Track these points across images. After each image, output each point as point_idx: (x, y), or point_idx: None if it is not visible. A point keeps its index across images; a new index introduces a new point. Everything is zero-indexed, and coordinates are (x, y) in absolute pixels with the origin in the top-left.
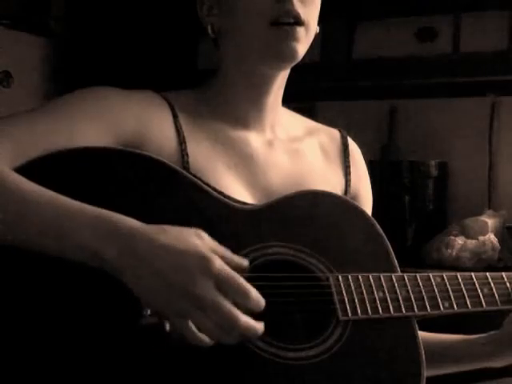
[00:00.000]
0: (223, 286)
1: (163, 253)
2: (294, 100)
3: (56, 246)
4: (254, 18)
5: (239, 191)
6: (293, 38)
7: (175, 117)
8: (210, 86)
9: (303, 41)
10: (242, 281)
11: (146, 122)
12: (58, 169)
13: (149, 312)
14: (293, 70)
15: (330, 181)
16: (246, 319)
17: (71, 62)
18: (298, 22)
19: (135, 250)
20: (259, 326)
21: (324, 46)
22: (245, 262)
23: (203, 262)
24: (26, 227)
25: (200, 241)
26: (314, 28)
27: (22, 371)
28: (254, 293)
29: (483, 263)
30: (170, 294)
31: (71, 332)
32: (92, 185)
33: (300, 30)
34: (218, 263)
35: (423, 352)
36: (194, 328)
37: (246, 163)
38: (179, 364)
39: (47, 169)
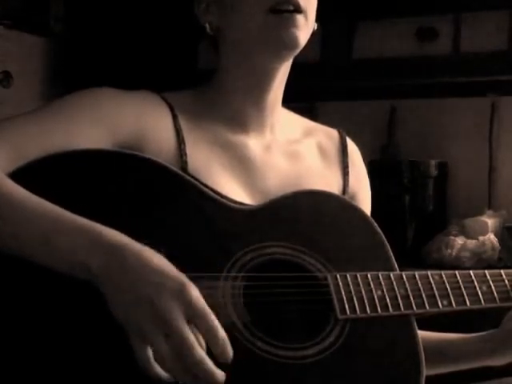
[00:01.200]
0: (194, 317)
1: (146, 269)
2: (294, 100)
3: (43, 256)
4: (254, 8)
5: (237, 192)
6: (293, 24)
7: (174, 117)
8: (209, 86)
9: (303, 28)
10: (214, 319)
11: (145, 123)
12: (56, 171)
13: None
14: (293, 69)
15: (327, 181)
16: (205, 359)
17: (71, 62)
18: (298, 9)
19: (121, 263)
20: (219, 374)
21: (324, 46)
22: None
23: (180, 287)
24: (15, 236)
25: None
26: (312, 17)
27: (16, 376)
28: (223, 336)
29: (483, 263)
30: (138, 311)
31: (65, 338)
32: (90, 187)
33: (300, 18)
34: (195, 293)
35: (422, 350)
36: (149, 354)
37: (243, 166)
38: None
39: (45, 171)
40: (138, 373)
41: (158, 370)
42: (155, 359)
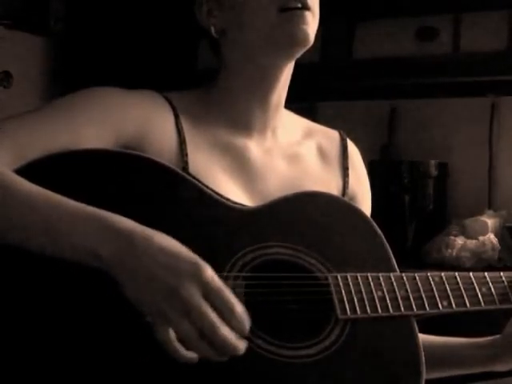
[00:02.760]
0: (211, 295)
1: (158, 253)
2: (294, 100)
3: (53, 246)
4: (263, 8)
5: (236, 194)
6: (303, 22)
7: (176, 117)
8: (212, 87)
9: (312, 25)
10: (230, 295)
11: (147, 123)
12: (59, 171)
13: None
14: (293, 69)
15: (327, 183)
16: (227, 333)
17: (71, 62)
18: (305, 6)
19: (133, 248)
20: (240, 344)
21: (324, 46)
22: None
23: (194, 267)
24: (24, 227)
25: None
26: (318, 13)
27: (22, 371)
28: (241, 310)
29: (483, 263)
30: (155, 294)
31: (72, 331)
32: (91, 187)
33: (308, 14)
34: (210, 272)
35: (422, 351)
36: (172, 335)
37: (243, 168)
38: (178, 362)
39: (48, 170)
40: (159, 357)
41: (182, 350)
42: (180, 341)
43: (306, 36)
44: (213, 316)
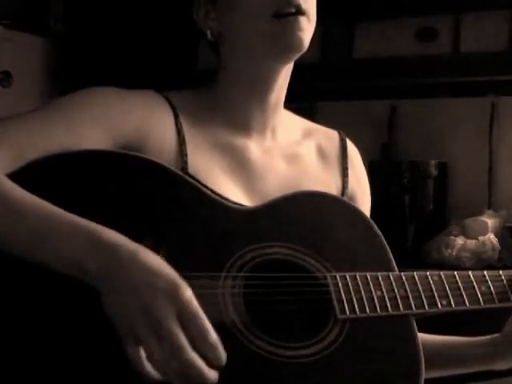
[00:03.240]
0: (184, 318)
1: (140, 268)
2: (294, 100)
3: (40, 256)
4: (257, 14)
5: (235, 194)
6: (298, 28)
7: (176, 117)
8: (211, 87)
9: (307, 31)
10: (206, 321)
11: (147, 123)
12: (57, 171)
13: None
14: (293, 70)
15: (326, 183)
16: (195, 358)
17: (71, 62)
18: (300, 11)
19: (117, 262)
20: (210, 373)
21: (324, 46)
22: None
23: (173, 286)
24: (12, 235)
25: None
26: (314, 17)
27: (10, 375)
28: (215, 338)
29: (483, 263)
30: (129, 308)
31: (46, 340)
32: (90, 188)
33: (303, 20)
34: (188, 294)
35: (422, 350)
36: (141, 353)
37: (243, 168)
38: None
39: (46, 171)
40: (132, 373)
41: (150, 369)
42: (148, 360)
43: (300, 42)
44: (182, 337)
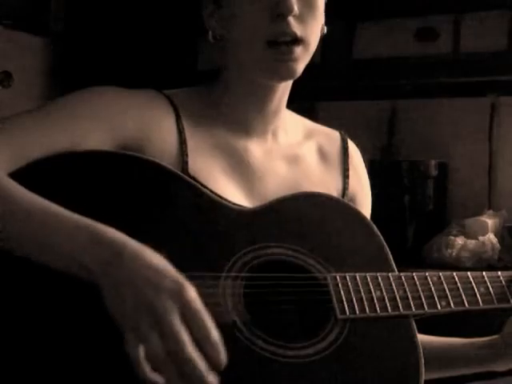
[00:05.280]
0: (188, 316)
1: (144, 267)
2: (294, 100)
3: (41, 254)
4: (251, 37)
5: (235, 195)
6: (290, 58)
7: (178, 117)
8: (213, 87)
9: (301, 59)
10: (209, 321)
11: (148, 123)
12: (57, 172)
13: None
14: None
15: (327, 184)
16: (196, 356)
17: (71, 62)
18: (295, 39)
19: (120, 260)
20: (209, 376)
21: (324, 46)
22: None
23: (177, 285)
24: (12, 233)
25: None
26: (314, 43)
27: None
28: (217, 337)
29: (483, 263)
30: (132, 305)
31: (47, 339)
32: (90, 188)
33: (297, 49)
34: (192, 294)
35: (421, 351)
36: (141, 351)
37: (243, 170)
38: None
39: (46, 172)
40: (132, 373)
41: (147, 369)
42: (148, 360)
43: (290, 72)
44: (184, 334)
